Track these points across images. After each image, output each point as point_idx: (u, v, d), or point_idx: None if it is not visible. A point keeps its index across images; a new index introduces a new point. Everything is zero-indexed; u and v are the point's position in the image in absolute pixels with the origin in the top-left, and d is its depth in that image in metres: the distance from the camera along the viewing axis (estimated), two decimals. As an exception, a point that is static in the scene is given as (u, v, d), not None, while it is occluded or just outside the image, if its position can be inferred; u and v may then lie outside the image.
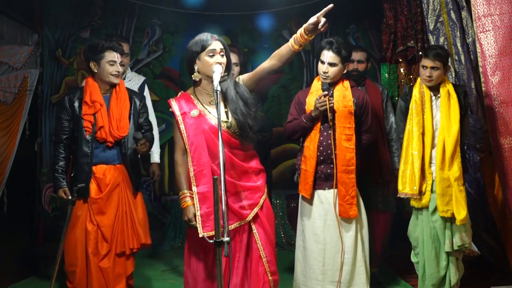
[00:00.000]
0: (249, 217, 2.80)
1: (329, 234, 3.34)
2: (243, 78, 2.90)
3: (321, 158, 3.35)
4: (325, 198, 3.37)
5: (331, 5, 2.56)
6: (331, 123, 3.33)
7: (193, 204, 2.78)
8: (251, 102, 2.84)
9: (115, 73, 3.37)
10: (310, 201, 3.40)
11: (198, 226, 2.73)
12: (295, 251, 3.52)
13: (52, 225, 5.28)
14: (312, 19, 2.59)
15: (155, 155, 4.29)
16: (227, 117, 2.80)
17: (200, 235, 2.71)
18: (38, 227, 5.18)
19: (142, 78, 4.32)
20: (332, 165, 3.33)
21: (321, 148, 3.35)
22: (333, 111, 3.33)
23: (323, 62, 3.37)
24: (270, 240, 2.86)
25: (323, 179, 3.37)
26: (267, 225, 2.86)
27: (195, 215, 2.76)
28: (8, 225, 4.47)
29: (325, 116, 3.35)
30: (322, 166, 3.36)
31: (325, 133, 3.36)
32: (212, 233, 2.67)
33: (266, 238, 2.84)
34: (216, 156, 2.72)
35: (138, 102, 3.51)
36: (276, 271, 2.88)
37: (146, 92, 4.27)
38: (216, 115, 2.79)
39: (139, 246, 3.43)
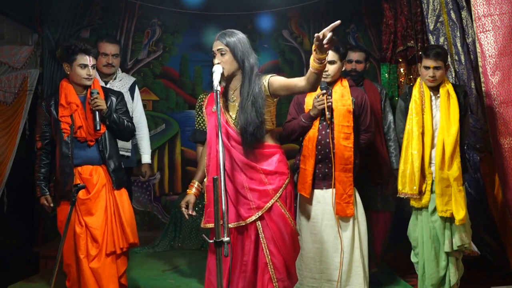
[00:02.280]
0: (249, 220, 2.77)
1: (326, 234, 3.34)
2: (272, 81, 2.77)
3: (319, 157, 3.36)
4: (323, 197, 3.38)
5: (338, 22, 2.43)
6: (329, 122, 3.33)
7: (194, 194, 2.98)
8: (261, 112, 2.76)
9: (86, 76, 3.33)
10: (308, 200, 3.39)
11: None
12: None
13: (52, 225, 5.24)
14: (316, 35, 2.43)
15: (146, 156, 4.30)
16: (235, 116, 2.82)
17: (202, 226, 2.87)
18: (38, 227, 5.17)
19: (132, 79, 4.33)
20: (330, 164, 3.34)
21: (319, 147, 3.36)
22: (331, 109, 3.34)
23: None
24: (278, 246, 2.77)
25: (321, 179, 3.38)
26: (276, 231, 2.77)
27: (187, 203, 2.94)
28: (8, 225, 4.47)
29: (323, 115, 3.35)
30: (320, 165, 3.37)
31: (323, 132, 3.37)
32: (208, 225, 2.82)
33: (274, 244, 2.76)
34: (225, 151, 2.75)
35: (114, 100, 3.47)
36: (285, 278, 2.78)
37: (137, 93, 4.28)
38: (230, 113, 2.84)
39: (127, 245, 3.40)
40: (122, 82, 4.18)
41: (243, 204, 2.78)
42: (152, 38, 5.74)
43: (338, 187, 3.33)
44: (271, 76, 2.81)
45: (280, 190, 2.80)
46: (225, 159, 2.67)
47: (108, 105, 3.40)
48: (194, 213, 2.93)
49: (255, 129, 2.74)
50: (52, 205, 3.43)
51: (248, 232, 2.79)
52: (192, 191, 2.98)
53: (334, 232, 3.34)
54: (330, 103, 3.33)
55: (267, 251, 2.76)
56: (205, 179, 2.91)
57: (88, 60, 3.32)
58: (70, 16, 5.43)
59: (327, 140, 3.35)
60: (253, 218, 2.77)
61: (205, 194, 2.89)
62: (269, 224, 2.77)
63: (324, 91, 3.33)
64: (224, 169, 2.51)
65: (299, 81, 2.68)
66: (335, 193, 3.34)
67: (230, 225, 2.75)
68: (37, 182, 3.42)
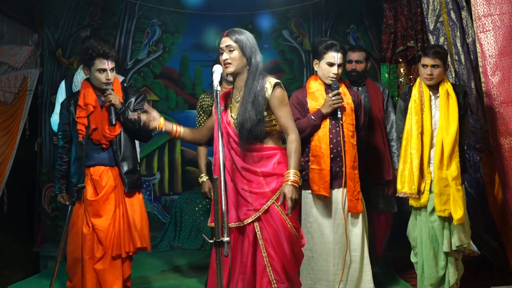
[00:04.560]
0: (246, 221, 2.75)
1: (338, 234, 3.33)
2: (273, 97, 2.75)
3: (332, 155, 3.34)
4: (335, 197, 3.36)
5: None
6: (341, 121, 3.33)
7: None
8: (260, 110, 2.74)
9: (105, 81, 3.31)
10: (324, 200, 3.35)
11: None
12: None
13: (52, 225, 5.28)
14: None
15: None
16: (235, 116, 2.81)
17: (208, 225, 2.91)
18: (38, 227, 5.18)
19: (120, 78, 4.28)
20: (341, 163, 3.33)
21: (331, 146, 3.34)
22: (342, 108, 3.35)
23: (332, 65, 3.36)
24: (276, 248, 2.73)
25: (332, 178, 3.36)
26: (273, 233, 2.73)
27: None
28: (8, 225, 4.47)
29: (333, 114, 3.35)
30: (332, 164, 3.34)
31: (333, 131, 3.36)
32: (211, 224, 2.82)
33: (272, 246, 2.73)
34: (226, 152, 2.75)
35: (133, 100, 3.46)
36: (284, 280, 2.73)
37: None
38: (232, 114, 2.82)
39: (134, 250, 3.39)
40: None
41: (242, 206, 2.76)
42: (152, 38, 5.73)
43: (350, 184, 3.32)
44: (278, 88, 2.77)
45: (278, 192, 2.75)
46: (225, 159, 2.67)
47: (126, 104, 3.39)
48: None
49: (252, 126, 2.71)
50: (68, 203, 3.41)
51: (247, 233, 2.77)
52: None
53: (347, 230, 3.34)
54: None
55: (265, 252, 2.73)
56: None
57: (107, 64, 3.29)
58: (70, 16, 5.45)
59: (338, 138, 3.34)
60: (250, 219, 2.74)
61: (213, 194, 2.88)
62: (266, 226, 2.74)
63: (338, 90, 3.34)
64: (225, 170, 2.51)
65: (287, 134, 2.79)
66: (347, 191, 3.33)
67: (229, 225, 2.73)
68: (55, 179, 3.43)
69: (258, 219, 2.75)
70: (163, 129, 2.92)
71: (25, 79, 4.70)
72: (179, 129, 2.96)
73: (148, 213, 5.63)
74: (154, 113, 2.89)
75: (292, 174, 2.70)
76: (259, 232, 2.75)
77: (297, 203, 2.70)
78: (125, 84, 4.28)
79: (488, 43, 3.66)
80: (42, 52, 5.19)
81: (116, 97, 3.31)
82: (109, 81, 3.32)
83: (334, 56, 3.34)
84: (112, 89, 3.33)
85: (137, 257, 4.50)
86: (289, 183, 2.68)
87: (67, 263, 3.37)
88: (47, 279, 3.40)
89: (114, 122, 3.29)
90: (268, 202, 2.73)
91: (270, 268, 2.71)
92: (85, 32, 5.50)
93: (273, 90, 2.76)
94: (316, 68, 3.46)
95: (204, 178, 3.71)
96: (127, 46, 5.67)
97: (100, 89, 3.37)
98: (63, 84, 4.14)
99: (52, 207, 5.31)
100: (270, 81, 2.78)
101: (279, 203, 2.72)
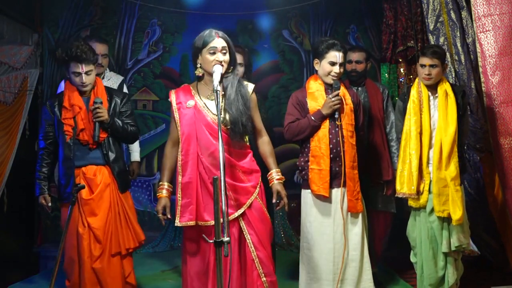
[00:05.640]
0: (232, 217, 2.81)
1: (338, 233, 3.33)
2: (252, 99, 2.94)
3: (331, 156, 3.35)
4: (335, 196, 3.36)
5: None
6: (340, 121, 3.34)
7: (167, 197, 2.92)
8: (248, 105, 2.88)
9: (80, 84, 3.29)
10: (323, 200, 3.36)
11: (176, 215, 2.86)
12: (300, 254, 3.48)
13: (52, 225, 5.27)
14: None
15: (135, 154, 4.29)
16: (221, 112, 2.83)
17: (176, 225, 2.86)
18: (38, 227, 5.18)
19: (120, 78, 4.30)
20: (340, 163, 3.34)
21: (330, 146, 3.35)
22: (342, 109, 3.35)
23: (334, 64, 3.36)
24: (262, 241, 2.84)
25: (332, 178, 3.37)
26: (258, 226, 2.85)
27: (164, 207, 2.89)
28: (8, 225, 4.47)
29: (333, 114, 3.35)
30: (332, 164, 3.35)
31: (333, 131, 3.36)
32: (189, 223, 2.82)
33: (258, 240, 2.83)
34: (205, 148, 2.81)
35: (118, 102, 3.44)
36: (272, 272, 2.86)
37: (125, 91, 4.24)
38: (212, 109, 2.86)
39: (137, 245, 3.42)
40: (110, 82, 4.14)
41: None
42: (152, 38, 5.73)
43: (349, 184, 3.33)
44: (254, 92, 2.96)
45: (258, 186, 2.90)
46: (202, 157, 2.79)
47: (112, 107, 3.38)
48: (170, 216, 2.92)
49: (246, 119, 2.83)
50: (50, 204, 3.42)
51: (231, 230, 2.83)
52: (164, 193, 2.92)
53: (345, 230, 3.35)
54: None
55: (252, 246, 2.83)
56: (179, 177, 2.87)
57: (81, 68, 3.25)
58: (70, 16, 5.44)
59: (338, 138, 3.35)
60: (236, 214, 2.82)
61: (181, 191, 2.85)
62: (251, 220, 2.84)
63: (338, 91, 3.34)
64: (224, 170, 2.51)
65: (260, 134, 3.00)
66: (346, 190, 3.34)
67: (211, 223, 2.76)
68: (37, 181, 3.41)
69: (242, 214, 2.84)
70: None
71: (25, 79, 4.70)
72: (167, 189, 2.96)
73: (148, 213, 5.69)
74: (164, 215, 2.95)
75: (276, 173, 2.94)
76: (244, 227, 2.84)
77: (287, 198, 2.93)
78: (125, 84, 4.29)
79: (488, 43, 3.66)
80: (42, 52, 5.19)
81: (104, 112, 3.28)
82: (83, 84, 3.30)
83: (336, 55, 3.35)
84: (101, 102, 3.30)
85: (137, 257, 4.50)
86: (277, 181, 2.92)
87: (64, 262, 3.37)
88: (47, 279, 3.41)
89: (96, 139, 3.28)
90: (252, 197, 2.85)
91: (258, 262, 2.82)
92: (85, 32, 5.50)
93: (252, 93, 2.94)
94: (317, 67, 3.46)
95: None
96: (127, 46, 5.67)
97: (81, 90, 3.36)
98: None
99: (52, 207, 5.27)
100: (249, 85, 2.96)
101: (274, 200, 2.90)
